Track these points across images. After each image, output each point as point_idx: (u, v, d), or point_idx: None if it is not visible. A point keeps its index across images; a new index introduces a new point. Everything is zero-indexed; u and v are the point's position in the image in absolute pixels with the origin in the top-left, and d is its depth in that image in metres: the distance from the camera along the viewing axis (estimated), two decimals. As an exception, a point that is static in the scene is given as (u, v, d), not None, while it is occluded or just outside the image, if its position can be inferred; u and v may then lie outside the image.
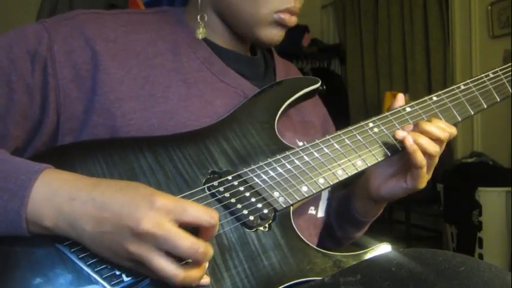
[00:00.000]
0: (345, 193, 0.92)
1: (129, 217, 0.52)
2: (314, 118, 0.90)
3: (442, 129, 0.76)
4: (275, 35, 0.77)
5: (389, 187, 0.81)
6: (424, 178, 0.78)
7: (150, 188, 0.56)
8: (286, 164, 0.70)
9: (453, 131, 0.77)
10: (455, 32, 3.28)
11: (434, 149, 0.75)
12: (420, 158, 0.74)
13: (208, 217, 0.54)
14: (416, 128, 0.76)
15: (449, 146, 3.32)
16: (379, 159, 0.75)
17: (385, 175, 0.82)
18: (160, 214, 0.52)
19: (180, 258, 0.53)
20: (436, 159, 0.77)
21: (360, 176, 0.84)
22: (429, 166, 0.77)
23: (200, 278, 0.55)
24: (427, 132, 0.75)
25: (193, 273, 0.54)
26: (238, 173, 0.68)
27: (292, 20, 0.76)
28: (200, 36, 0.78)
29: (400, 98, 0.82)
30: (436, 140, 0.75)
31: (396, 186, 0.80)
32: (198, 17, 0.78)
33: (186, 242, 0.52)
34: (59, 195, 0.55)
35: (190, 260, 0.54)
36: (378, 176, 0.83)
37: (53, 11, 2.32)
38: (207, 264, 0.56)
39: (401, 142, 0.75)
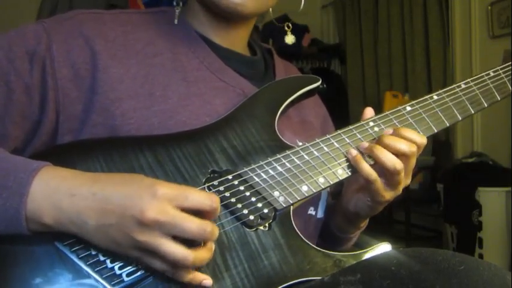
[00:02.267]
0: (330, 204, 0.89)
1: (133, 208, 0.53)
2: (314, 118, 0.90)
3: (407, 142, 0.71)
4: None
5: (354, 200, 0.79)
6: (381, 193, 0.72)
7: (150, 178, 0.57)
8: (286, 163, 0.70)
9: (424, 141, 0.73)
10: (455, 32, 3.28)
11: (393, 164, 0.69)
12: (366, 171, 0.70)
13: (210, 201, 0.55)
14: (379, 142, 0.72)
15: (449, 146, 3.32)
16: None
17: (354, 188, 0.79)
18: (163, 202, 0.53)
19: (186, 244, 0.54)
20: (402, 175, 0.71)
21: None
22: (392, 181, 0.72)
23: (209, 258, 0.56)
24: (387, 146, 0.70)
25: (202, 254, 0.55)
26: (239, 172, 0.68)
27: None
28: (176, 21, 0.78)
29: (369, 112, 0.77)
30: (400, 154, 0.71)
31: (360, 200, 0.78)
32: (174, 2, 0.79)
33: (194, 223, 0.53)
34: (58, 192, 0.55)
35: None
36: (348, 190, 0.81)
37: (53, 11, 2.32)
38: (213, 246, 0.57)
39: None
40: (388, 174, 0.71)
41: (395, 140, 0.71)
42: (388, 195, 0.74)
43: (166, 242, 0.53)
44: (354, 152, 0.71)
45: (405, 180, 0.74)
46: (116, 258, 0.57)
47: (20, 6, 2.95)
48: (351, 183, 0.80)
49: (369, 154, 0.71)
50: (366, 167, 0.70)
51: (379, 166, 0.71)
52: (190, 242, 0.55)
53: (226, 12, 0.75)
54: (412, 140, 0.72)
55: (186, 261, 0.54)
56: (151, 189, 0.54)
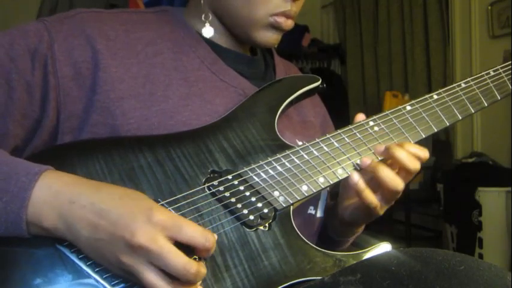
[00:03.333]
0: (329, 206, 0.88)
1: (124, 228, 0.52)
2: (314, 118, 0.90)
3: (413, 159, 0.71)
4: (270, 37, 0.77)
5: (349, 210, 0.77)
6: (378, 209, 0.72)
7: (150, 201, 0.56)
8: (286, 163, 0.70)
9: (427, 155, 0.73)
10: (455, 32, 3.28)
11: (396, 185, 0.69)
12: (370, 200, 0.70)
13: (204, 239, 0.53)
14: (384, 153, 0.72)
15: (449, 146, 3.32)
16: (380, 158, 0.75)
17: (349, 198, 0.78)
18: (156, 229, 0.52)
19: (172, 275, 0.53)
20: (399, 195, 0.71)
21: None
22: (389, 198, 0.72)
23: None
24: (396, 159, 0.70)
25: None
26: (238, 172, 0.68)
27: (287, 24, 0.76)
28: (207, 35, 0.79)
29: (360, 117, 0.77)
30: (404, 170, 0.71)
31: (354, 211, 0.77)
32: (203, 16, 0.79)
33: (179, 260, 0.51)
34: (59, 197, 0.55)
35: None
36: (343, 198, 0.79)
37: (53, 10, 2.32)
38: (199, 283, 0.54)
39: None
40: (387, 193, 0.71)
41: (401, 153, 0.71)
42: (383, 209, 0.74)
43: (148, 271, 0.51)
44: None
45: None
46: None
47: (20, 6, 2.95)
48: (345, 192, 0.79)
49: (372, 172, 0.70)
50: (370, 197, 0.70)
51: (376, 182, 0.71)
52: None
53: (259, 46, 0.81)
54: (417, 155, 0.72)
55: None
56: (147, 213, 0.52)
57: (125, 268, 0.53)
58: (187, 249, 0.53)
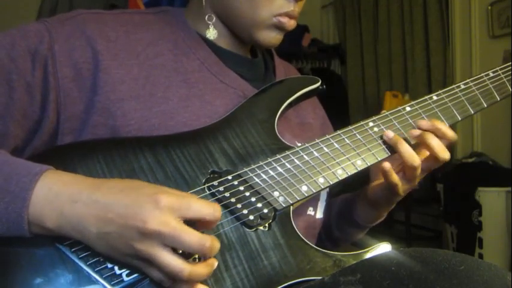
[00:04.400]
0: (352, 195, 0.93)
1: (135, 217, 0.52)
2: (313, 120, 0.90)
3: (443, 148, 0.77)
4: (273, 38, 0.77)
5: (375, 189, 0.82)
6: (414, 181, 0.79)
7: (153, 186, 0.56)
8: (286, 164, 0.70)
9: (454, 136, 0.79)
10: (455, 32, 3.28)
11: (444, 153, 0.76)
12: (394, 179, 0.76)
13: (212, 210, 0.55)
14: (420, 137, 0.77)
15: (449, 146, 3.31)
16: (379, 159, 0.75)
17: (377, 177, 0.83)
18: (165, 212, 0.53)
19: (187, 256, 0.54)
20: (417, 172, 0.77)
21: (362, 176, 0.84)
22: (409, 178, 0.78)
23: (207, 274, 0.55)
24: (439, 130, 0.77)
25: (199, 269, 0.54)
26: (238, 172, 0.68)
27: (290, 24, 0.77)
28: (211, 37, 0.79)
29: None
30: (433, 158, 0.77)
31: (379, 188, 0.81)
32: (206, 18, 0.79)
33: (193, 237, 0.52)
34: (60, 197, 0.55)
35: (196, 258, 0.55)
36: (373, 178, 0.84)
37: (53, 11, 2.32)
38: (215, 263, 0.56)
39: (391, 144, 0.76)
40: (407, 170, 0.76)
41: (434, 141, 0.76)
42: (404, 190, 0.79)
43: (164, 253, 0.53)
44: (391, 133, 0.76)
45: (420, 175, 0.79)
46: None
47: (20, 6, 2.95)
48: (373, 175, 0.85)
49: (422, 140, 0.76)
50: (394, 176, 0.76)
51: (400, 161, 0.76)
52: (192, 255, 0.55)
53: (262, 47, 0.81)
54: (445, 134, 0.78)
55: (181, 275, 0.53)
56: (154, 199, 0.53)
57: (141, 255, 0.53)
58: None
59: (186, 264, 0.53)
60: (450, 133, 0.78)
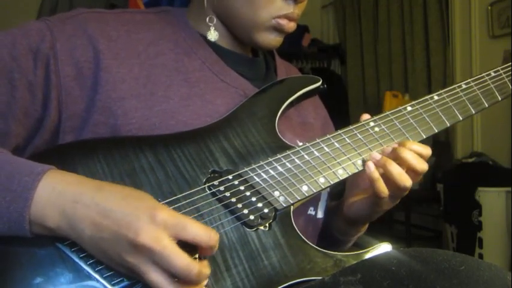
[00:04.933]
0: (331, 207, 0.89)
1: (128, 228, 0.52)
2: (314, 120, 0.90)
3: (419, 159, 0.72)
4: (273, 39, 0.77)
5: (354, 207, 0.79)
6: (383, 205, 0.75)
7: (153, 201, 0.55)
8: (287, 163, 0.70)
9: (428, 152, 0.74)
10: (455, 32, 3.28)
11: (404, 181, 0.71)
12: (383, 189, 0.71)
13: (207, 238, 0.53)
14: (391, 154, 0.73)
15: (449, 146, 3.32)
16: None
17: (354, 195, 0.80)
18: (159, 229, 0.52)
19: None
20: (406, 192, 0.73)
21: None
22: (396, 197, 0.74)
23: None
24: (403, 160, 0.72)
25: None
26: (239, 172, 0.68)
27: (290, 26, 0.76)
28: (212, 38, 0.79)
29: (366, 116, 0.78)
30: (411, 171, 0.72)
31: (359, 208, 0.78)
32: (207, 19, 0.79)
33: (181, 261, 0.51)
34: (62, 197, 0.55)
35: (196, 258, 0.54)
36: (349, 196, 0.81)
37: (53, 10, 2.32)
38: (204, 283, 0.54)
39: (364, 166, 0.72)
40: (395, 189, 0.72)
41: (408, 154, 0.72)
42: (388, 205, 0.76)
43: (151, 270, 0.52)
44: (372, 166, 0.71)
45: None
46: None
47: (20, 6, 2.95)
48: (352, 189, 0.81)
49: (382, 167, 0.72)
50: (383, 186, 0.71)
51: (386, 179, 0.72)
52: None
53: (261, 48, 0.81)
54: (419, 153, 0.73)
55: None
56: (151, 213, 0.52)
57: (129, 267, 0.53)
58: (190, 247, 0.54)
59: (172, 285, 0.52)
60: (414, 161, 0.72)
